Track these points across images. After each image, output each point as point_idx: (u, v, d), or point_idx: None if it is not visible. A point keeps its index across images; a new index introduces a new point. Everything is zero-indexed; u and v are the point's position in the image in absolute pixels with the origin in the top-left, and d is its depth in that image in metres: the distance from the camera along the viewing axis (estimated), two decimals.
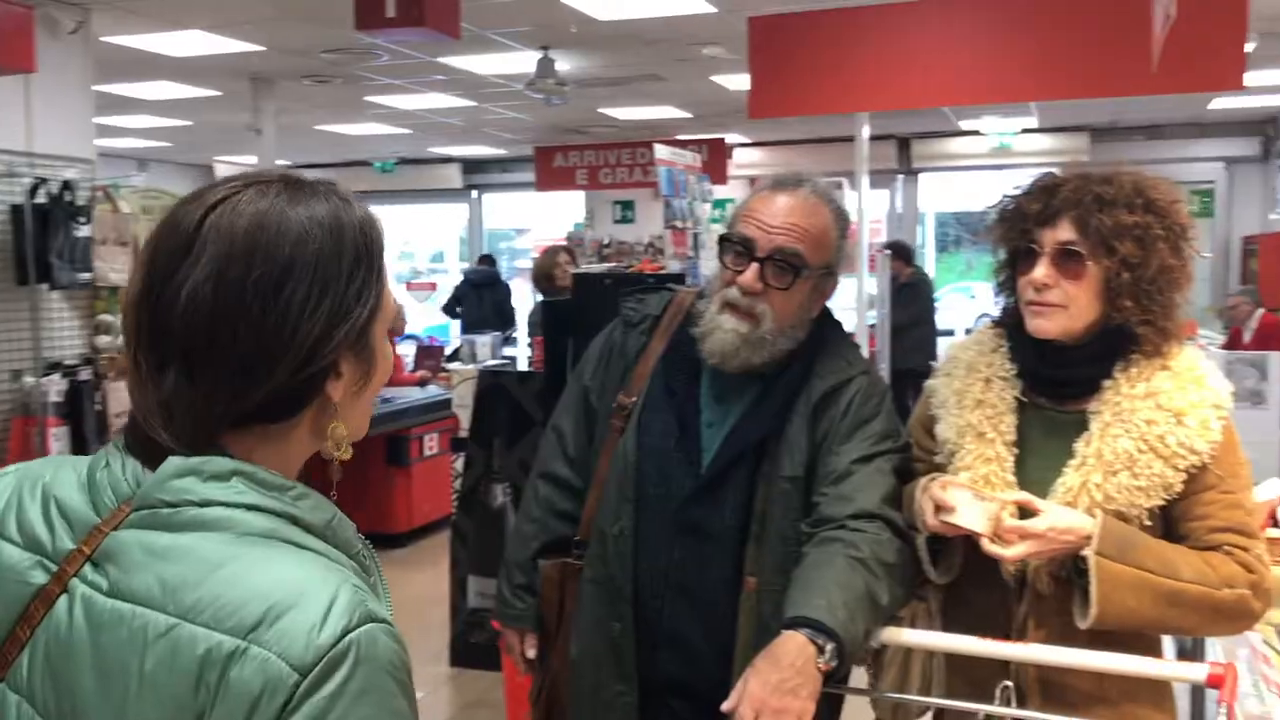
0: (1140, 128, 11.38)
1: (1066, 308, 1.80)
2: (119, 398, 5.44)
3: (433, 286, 15.45)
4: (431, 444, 7.66)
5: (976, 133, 11.75)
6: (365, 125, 11.03)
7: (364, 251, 1.05)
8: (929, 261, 15.48)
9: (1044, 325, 1.82)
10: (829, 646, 1.68)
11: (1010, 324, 1.94)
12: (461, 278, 11.59)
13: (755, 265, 1.97)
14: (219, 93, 8.86)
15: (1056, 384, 1.87)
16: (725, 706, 1.66)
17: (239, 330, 0.97)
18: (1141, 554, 1.71)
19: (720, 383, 2.05)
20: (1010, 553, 1.73)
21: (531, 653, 2.22)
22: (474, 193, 15.11)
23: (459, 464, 5.40)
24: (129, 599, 0.95)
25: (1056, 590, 1.80)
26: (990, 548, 1.74)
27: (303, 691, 0.89)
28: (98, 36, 6.21)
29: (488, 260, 12.02)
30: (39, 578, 1.00)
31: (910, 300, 8.94)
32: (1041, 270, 1.80)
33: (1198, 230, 1.88)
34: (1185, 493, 1.77)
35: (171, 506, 0.97)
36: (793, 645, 1.68)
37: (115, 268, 5.54)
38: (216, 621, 0.91)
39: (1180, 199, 1.83)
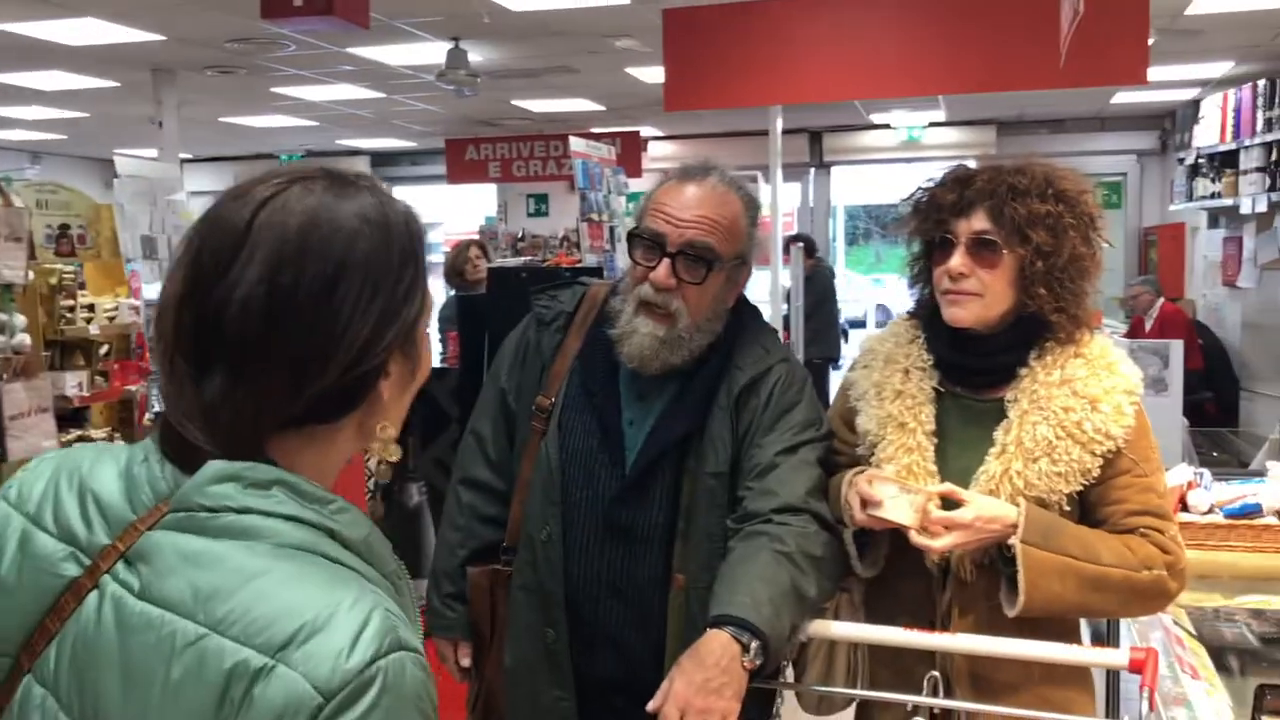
0: (1045, 121, 11.63)
1: (982, 296, 1.82)
2: (14, 400, 5.23)
3: None
4: None
5: (886, 126, 11.89)
6: (271, 117, 10.78)
7: (410, 249, 1.04)
8: (839, 254, 15.66)
9: (959, 314, 1.84)
10: (754, 644, 1.67)
11: (925, 315, 1.95)
12: None
13: (667, 261, 1.93)
14: (118, 84, 8.59)
15: (973, 373, 1.89)
16: (651, 706, 1.64)
17: (292, 332, 0.96)
18: (1065, 540, 1.73)
19: (640, 380, 2.01)
20: (938, 544, 1.74)
21: (466, 661, 2.17)
22: (384, 185, 14.87)
23: (372, 463, 5.31)
24: (160, 603, 0.94)
25: (979, 578, 1.82)
26: (918, 540, 1.75)
27: (325, 716, 0.88)
28: None
29: None
30: (71, 570, 0.98)
31: (808, 292, 9.03)
32: (957, 259, 1.82)
33: (1105, 220, 1.92)
34: (1101, 478, 1.80)
35: (209, 511, 0.95)
36: (717, 644, 1.66)
37: (9, 264, 5.31)
38: (246, 636, 0.90)
39: (1088, 189, 1.87)
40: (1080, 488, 1.80)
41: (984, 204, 1.82)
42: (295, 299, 0.96)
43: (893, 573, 1.90)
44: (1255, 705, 2.06)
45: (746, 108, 6.92)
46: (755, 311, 2.13)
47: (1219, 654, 2.36)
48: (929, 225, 1.89)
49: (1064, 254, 1.80)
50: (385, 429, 1.06)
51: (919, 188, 1.94)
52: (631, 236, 2.00)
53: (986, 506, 1.75)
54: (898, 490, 1.76)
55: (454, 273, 6.70)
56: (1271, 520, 2.74)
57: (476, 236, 8.40)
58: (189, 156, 14.09)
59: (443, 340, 6.23)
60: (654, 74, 8.13)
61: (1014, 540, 1.71)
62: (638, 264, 1.98)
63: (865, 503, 1.78)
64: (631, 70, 8.38)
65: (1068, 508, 1.81)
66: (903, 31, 5.02)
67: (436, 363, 6.21)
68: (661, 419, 1.99)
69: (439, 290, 6.89)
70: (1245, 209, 8.11)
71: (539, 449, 2.05)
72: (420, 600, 4.57)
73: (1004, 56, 4.72)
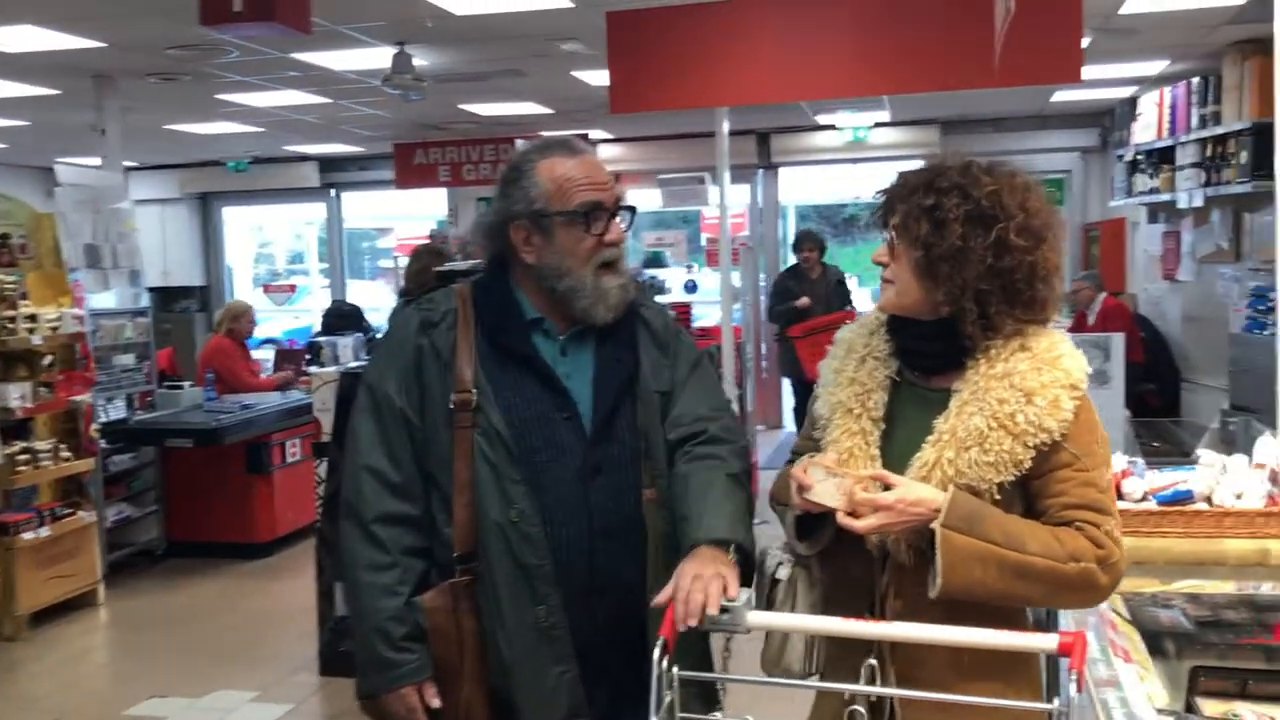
0: (987, 120, 11.77)
1: (894, 283, 1.94)
2: None
3: (292, 289, 15.06)
4: (294, 450, 7.47)
5: (832, 127, 11.98)
6: (217, 124, 10.66)
7: None
8: (789, 255, 15.69)
9: (880, 301, 2.00)
10: (731, 548, 1.95)
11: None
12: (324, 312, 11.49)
13: (615, 220, 2.15)
14: (58, 91, 8.46)
15: (916, 356, 1.97)
16: (657, 601, 1.84)
17: None
18: (989, 527, 1.77)
19: (555, 342, 2.17)
20: (861, 524, 1.80)
21: (437, 702, 2.10)
22: (332, 191, 14.77)
23: (322, 469, 5.28)
24: None
25: (916, 561, 1.86)
26: (844, 520, 1.81)
27: None
28: None
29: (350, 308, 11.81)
30: None
31: (842, 299, 8.79)
32: (880, 249, 1.96)
33: (1046, 218, 1.91)
34: (1040, 470, 1.84)
35: None
36: (706, 549, 1.93)
37: None
38: None
39: (998, 182, 1.87)
40: (1012, 478, 1.83)
41: (897, 204, 1.93)
42: None
43: (845, 554, 1.95)
44: (1190, 687, 2.11)
45: (693, 110, 6.95)
46: None
47: (1155, 638, 2.41)
48: (881, 222, 2.00)
49: (944, 245, 1.84)
50: None
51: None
52: (571, 215, 2.12)
53: (910, 490, 1.80)
54: (825, 474, 1.84)
55: (418, 286, 6.56)
56: (1203, 506, 2.81)
57: (430, 242, 8.31)
58: (134, 164, 13.88)
59: None
60: (601, 77, 8.14)
61: (935, 524, 1.76)
62: (588, 235, 2.11)
63: (800, 487, 1.85)
64: (578, 73, 8.39)
65: (999, 497, 1.84)
66: (845, 33, 5.08)
67: None
68: (606, 358, 2.16)
69: (388, 296, 6.83)
70: (1182, 204, 8.27)
71: (473, 443, 2.07)
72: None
73: (941, 57, 4.79)
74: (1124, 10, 6.50)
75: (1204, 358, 8.63)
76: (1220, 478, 2.85)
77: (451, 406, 2.09)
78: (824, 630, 1.83)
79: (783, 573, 2.01)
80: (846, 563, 1.96)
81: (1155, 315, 9.61)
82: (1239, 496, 2.79)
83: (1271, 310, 7.07)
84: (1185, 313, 9.18)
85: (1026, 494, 1.88)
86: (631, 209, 2.24)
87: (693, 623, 1.78)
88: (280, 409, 7.45)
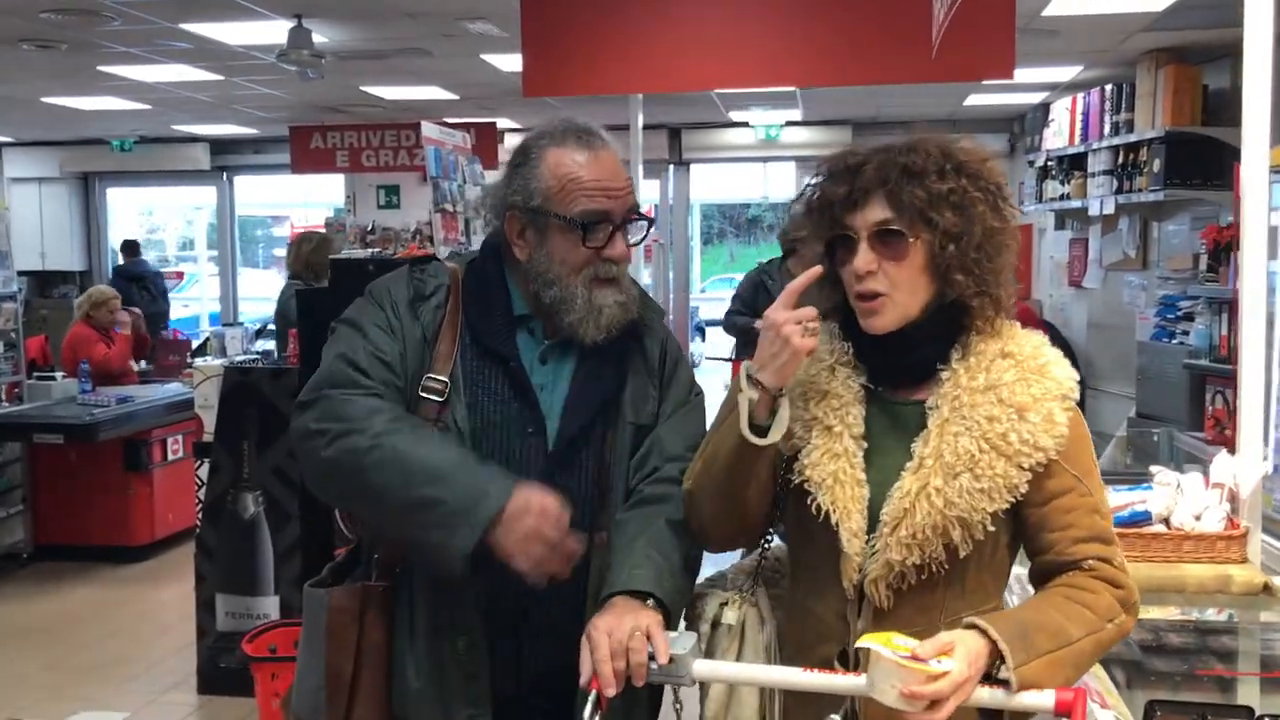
0: (899, 123, 11.73)
1: (892, 296, 1.66)
2: None
3: (179, 276, 14.51)
4: (175, 447, 7.07)
5: (744, 124, 11.88)
6: (99, 99, 10.08)
7: None
8: (695, 253, 15.62)
9: (876, 323, 1.68)
10: (649, 601, 1.72)
11: (841, 318, 1.77)
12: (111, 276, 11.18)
13: (619, 234, 1.90)
14: None
15: (894, 369, 1.73)
16: (582, 683, 1.62)
17: None
18: (1038, 639, 1.56)
19: (538, 346, 1.95)
20: (943, 714, 1.48)
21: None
22: (224, 175, 14.17)
23: (203, 471, 4.92)
24: None
25: (898, 605, 1.65)
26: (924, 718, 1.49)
27: None
28: None
29: (133, 248, 11.40)
30: None
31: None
32: (862, 257, 1.65)
33: (1010, 189, 1.78)
34: (1042, 498, 1.66)
35: None
36: (621, 600, 1.72)
37: None
38: None
39: (990, 157, 1.73)
40: (1006, 505, 1.64)
41: (879, 192, 1.65)
42: None
43: (807, 593, 1.73)
44: None
45: (607, 103, 6.71)
46: None
47: (1105, 668, 2.25)
48: (825, 224, 1.71)
49: (975, 232, 1.65)
50: None
51: (808, 184, 1.76)
52: (568, 222, 1.87)
53: (965, 654, 1.50)
54: (882, 666, 1.47)
55: (306, 269, 6.37)
56: (1160, 528, 2.64)
57: (323, 229, 7.93)
58: (8, 139, 13.19)
59: (280, 337, 5.84)
60: (510, 62, 7.85)
61: (1008, 673, 1.51)
62: (585, 246, 1.87)
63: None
64: (487, 57, 8.09)
65: (992, 528, 1.64)
66: (776, 21, 4.88)
67: (274, 361, 5.81)
68: (590, 374, 1.93)
69: (278, 282, 6.54)
70: (1093, 211, 8.29)
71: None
72: (261, 619, 4.15)
73: (876, 48, 4.64)
74: (1047, 11, 6.44)
75: (1108, 365, 8.67)
76: (1177, 497, 2.68)
77: (421, 393, 1.87)
78: (783, 683, 1.58)
79: (729, 616, 1.78)
80: (808, 603, 1.73)
81: (1060, 322, 9.66)
82: (1198, 518, 2.63)
83: (1182, 319, 7.08)
84: (1091, 320, 9.23)
85: (1020, 523, 1.69)
86: (649, 220, 1.99)
87: (611, 693, 1.61)
88: (162, 403, 7.04)
